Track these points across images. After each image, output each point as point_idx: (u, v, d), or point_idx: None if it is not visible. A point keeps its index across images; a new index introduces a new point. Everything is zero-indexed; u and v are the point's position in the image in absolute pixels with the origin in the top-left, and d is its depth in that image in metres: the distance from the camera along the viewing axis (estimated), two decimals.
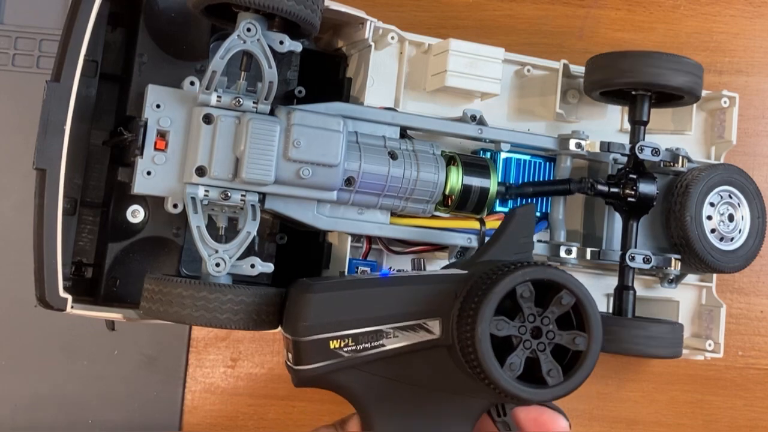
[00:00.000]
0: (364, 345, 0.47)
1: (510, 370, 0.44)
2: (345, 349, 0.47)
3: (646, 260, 0.64)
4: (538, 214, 0.66)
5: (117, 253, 0.59)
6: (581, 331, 0.45)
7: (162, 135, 0.54)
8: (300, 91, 0.63)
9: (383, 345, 0.47)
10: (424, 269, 0.56)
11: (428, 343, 0.47)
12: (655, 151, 0.65)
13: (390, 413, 0.48)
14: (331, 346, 0.47)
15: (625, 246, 0.65)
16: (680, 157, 0.67)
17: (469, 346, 0.44)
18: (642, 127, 0.66)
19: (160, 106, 0.54)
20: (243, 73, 0.55)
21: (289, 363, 0.49)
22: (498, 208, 0.64)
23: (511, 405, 0.49)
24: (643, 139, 0.65)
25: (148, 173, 0.54)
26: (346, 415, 0.51)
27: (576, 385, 0.45)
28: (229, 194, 0.54)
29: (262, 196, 0.55)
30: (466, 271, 0.48)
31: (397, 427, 0.48)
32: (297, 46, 0.55)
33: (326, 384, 0.48)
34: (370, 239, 0.63)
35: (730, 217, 0.67)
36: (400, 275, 0.51)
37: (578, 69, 0.69)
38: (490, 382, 0.44)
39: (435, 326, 0.47)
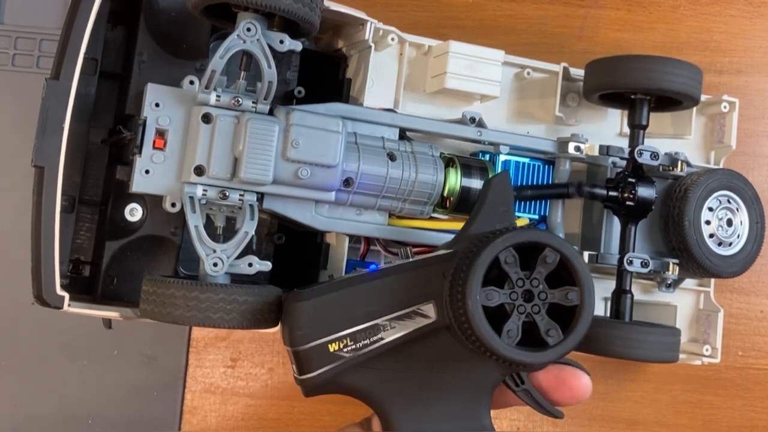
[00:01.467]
0: (363, 342, 0.47)
1: (508, 338, 0.44)
2: (345, 350, 0.47)
3: (644, 264, 0.64)
4: (536, 216, 0.66)
5: (114, 252, 0.59)
6: (572, 285, 0.45)
7: (161, 134, 0.54)
8: (299, 92, 0.63)
9: (382, 338, 0.47)
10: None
11: (426, 327, 0.47)
12: (654, 155, 0.65)
13: (406, 405, 0.48)
14: (331, 349, 0.47)
15: (623, 250, 0.65)
16: (679, 162, 0.67)
17: (464, 322, 0.44)
18: (641, 131, 0.65)
19: (159, 105, 0.54)
20: (242, 72, 0.55)
21: (295, 375, 0.49)
22: None
23: (527, 372, 0.49)
24: (643, 143, 0.65)
25: (147, 172, 0.54)
26: (371, 414, 0.51)
27: (577, 340, 0.45)
28: (227, 194, 0.54)
29: (261, 196, 0.55)
30: (451, 250, 0.48)
31: (416, 417, 0.48)
32: (297, 45, 0.55)
33: (336, 388, 0.48)
34: (368, 240, 0.63)
35: (729, 222, 0.67)
36: (387, 266, 0.51)
37: (578, 72, 0.68)
38: (490, 353, 0.44)
39: (429, 310, 0.47)
